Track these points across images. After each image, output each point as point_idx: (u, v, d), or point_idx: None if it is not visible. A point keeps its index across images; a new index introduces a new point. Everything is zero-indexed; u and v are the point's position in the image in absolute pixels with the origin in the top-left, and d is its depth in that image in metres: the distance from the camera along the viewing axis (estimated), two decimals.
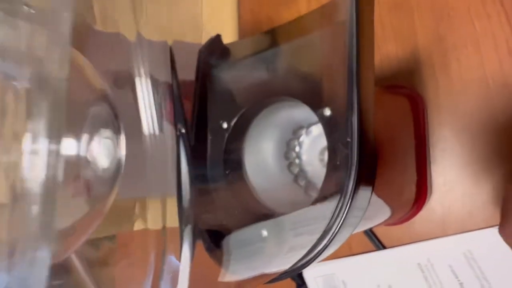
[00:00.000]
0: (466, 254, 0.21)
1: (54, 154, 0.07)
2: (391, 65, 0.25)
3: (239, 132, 0.16)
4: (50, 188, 0.07)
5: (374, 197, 0.17)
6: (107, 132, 0.10)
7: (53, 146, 0.07)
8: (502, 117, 0.21)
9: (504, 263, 0.20)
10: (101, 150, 0.10)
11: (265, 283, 0.14)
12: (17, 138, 0.07)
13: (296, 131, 0.20)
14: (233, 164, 0.15)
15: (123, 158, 0.11)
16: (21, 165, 0.07)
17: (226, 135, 0.15)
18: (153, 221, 0.13)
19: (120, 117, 0.11)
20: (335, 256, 0.26)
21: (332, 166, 0.11)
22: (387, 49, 0.26)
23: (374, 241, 0.25)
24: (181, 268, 0.10)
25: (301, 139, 0.20)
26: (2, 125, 0.08)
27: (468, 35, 0.22)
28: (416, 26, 0.24)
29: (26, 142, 0.07)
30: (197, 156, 0.14)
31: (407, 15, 0.25)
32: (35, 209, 0.07)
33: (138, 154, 0.12)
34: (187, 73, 0.16)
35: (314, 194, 0.20)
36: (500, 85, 0.21)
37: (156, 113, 0.12)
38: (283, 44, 0.14)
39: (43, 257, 0.07)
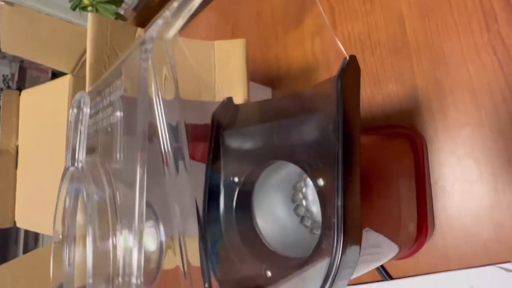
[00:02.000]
0: None
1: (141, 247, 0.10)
2: (392, 104, 0.27)
3: (249, 185, 0.18)
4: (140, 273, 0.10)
5: (380, 237, 0.19)
6: (150, 223, 0.13)
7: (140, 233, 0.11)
8: (499, 162, 0.22)
9: None
10: (148, 238, 0.13)
11: None
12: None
13: (301, 174, 0.22)
14: (244, 214, 0.18)
15: (164, 239, 0.13)
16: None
17: (237, 188, 0.18)
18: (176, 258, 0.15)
19: (154, 205, 0.14)
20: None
21: (324, 228, 0.13)
22: (388, 89, 0.27)
23: (381, 272, 0.26)
24: None
25: (307, 180, 0.22)
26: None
27: (464, 81, 0.23)
28: (414, 69, 0.26)
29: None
30: (210, 213, 0.16)
31: (406, 59, 0.26)
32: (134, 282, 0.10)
33: (160, 193, 0.14)
34: (197, 121, 0.19)
35: (318, 233, 0.21)
36: (497, 132, 0.22)
37: (175, 158, 0.15)
38: (285, 115, 0.16)
39: None
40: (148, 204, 0.13)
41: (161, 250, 0.13)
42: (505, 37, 0.22)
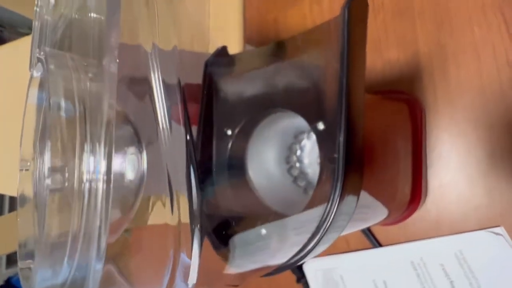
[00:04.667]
0: (457, 255, 0.22)
1: (109, 168, 0.09)
2: (392, 71, 0.26)
3: (243, 139, 0.17)
4: (108, 194, 0.09)
5: (371, 199, 0.18)
6: (131, 149, 0.12)
7: (109, 162, 0.09)
8: (497, 125, 0.21)
9: (493, 263, 0.21)
10: (128, 165, 0.12)
11: (265, 276, 0.15)
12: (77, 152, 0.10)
13: (297, 135, 0.21)
14: (237, 168, 0.17)
15: (146, 170, 0.12)
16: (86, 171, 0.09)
17: (230, 141, 0.17)
18: (170, 217, 0.14)
19: (140, 131, 0.12)
20: (334, 251, 0.28)
21: (322, 176, 0.12)
22: (389, 54, 0.26)
23: (371, 239, 0.26)
24: (192, 263, 0.11)
25: (302, 143, 0.21)
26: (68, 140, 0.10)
27: (468, 43, 0.23)
28: (417, 33, 0.25)
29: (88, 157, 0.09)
30: (203, 160, 0.15)
31: (410, 22, 0.25)
32: (99, 208, 0.09)
33: (155, 158, 0.13)
34: (194, 79, 0.18)
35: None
36: (497, 93, 0.22)
37: (168, 117, 0.14)
38: (282, 59, 0.15)
39: (103, 247, 0.09)
40: (134, 129, 0.12)
41: (140, 182, 0.12)
42: None
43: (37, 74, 0.13)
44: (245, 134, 0.17)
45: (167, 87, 0.14)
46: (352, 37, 0.11)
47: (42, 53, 0.12)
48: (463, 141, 0.23)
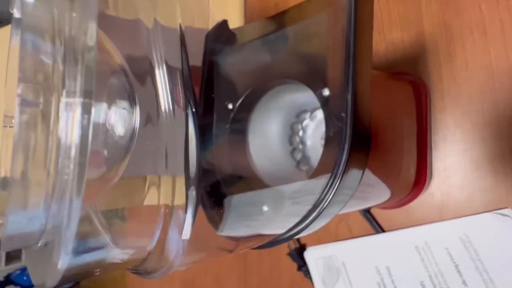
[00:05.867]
0: (462, 238, 0.21)
1: (87, 115, 0.09)
2: (396, 52, 0.26)
3: (244, 113, 0.17)
4: (84, 144, 0.09)
5: (374, 178, 0.18)
6: (123, 103, 0.11)
7: (87, 108, 0.09)
8: (503, 105, 0.21)
9: (499, 245, 0.20)
10: (118, 118, 0.11)
11: (259, 248, 0.14)
12: (55, 96, 0.09)
13: (299, 114, 0.21)
14: (238, 144, 0.16)
15: (137, 128, 0.12)
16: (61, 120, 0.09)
17: (231, 115, 0.16)
18: (164, 197, 0.14)
19: (136, 91, 0.12)
20: (335, 238, 0.27)
21: (328, 141, 0.12)
22: (392, 36, 0.26)
23: (374, 225, 0.26)
24: (186, 218, 0.11)
25: (304, 123, 0.21)
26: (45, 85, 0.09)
27: (475, 21, 0.22)
28: (422, 13, 0.24)
29: (64, 99, 0.09)
30: (203, 135, 0.15)
31: (414, 2, 0.25)
32: (73, 159, 0.09)
33: (152, 134, 0.13)
34: (195, 58, 0.17)
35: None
36: (505, 72, 0.21)
37: (171, 97, 0.13)
38: (285, 28, 0.14)
39: (78, 203, 0.09)
40: (130, 85, 0.11)
41: (131, 138, 0.12)
42: None
43: (18, 15, 0.12)
44: (247, 108, 0.17)
45: (170, 68, 0.13)
46: (360, 3, 0.11)
47: None
48: (468, 123, 0.22)
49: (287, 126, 0.20)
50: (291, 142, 0.21)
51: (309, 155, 0.21)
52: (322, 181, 0.11)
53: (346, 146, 0.10)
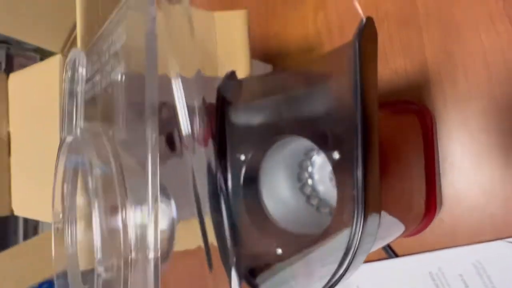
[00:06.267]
0: (475, 265, 0.22)
1: (155, 217, 0.10)
2: (400, 80, 0.26)
3: (255, 163, 0.17)
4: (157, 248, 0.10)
5: (388, 216, 0.18)
6: (161, 199, 0.12)
7: (155, 211, 0.10)
8: (510, 131, 0.21)
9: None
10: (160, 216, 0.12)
11: None
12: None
13: (307, 152, 0.21)
14: (251, 193, 0.17)
15: (176, 218, 0.13)
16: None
17: (244, 166, 0.17)
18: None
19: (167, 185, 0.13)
20: None
21: (341, 205, 0.12)
22: (395, 64, 0.26)
23: (387, 250, 0.26)
24: None
25: (313, 158, 0.21)
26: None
27: (476, 51, 0.22)
28: (424, 42, 0.25)
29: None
30: (222, 194, 0.16)
31: (416, 31, 0.25)
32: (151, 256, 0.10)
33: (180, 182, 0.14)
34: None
35: (326, 211, 0.21)
36: (509, 101, 0.21)
37: (193, 139, 0.14)
38: (292, 87, 0.15)
39: None
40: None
41: (172, 229, 0.12)
42: None
43: (69, 139, 0.13)
44: (258, 158, 0.17)
45: (191, 114, 0.14)
46: (365, 71, 0.11)
47: (78, 128, 0.13)
48: (475, 149, 0.22)
49: (295, 165, 0.21)
50: (300, 178, 0.21)
51: (318, 188, 0.21)
52: (341, 237, 0.12)
53: (359, 222, 0.11)
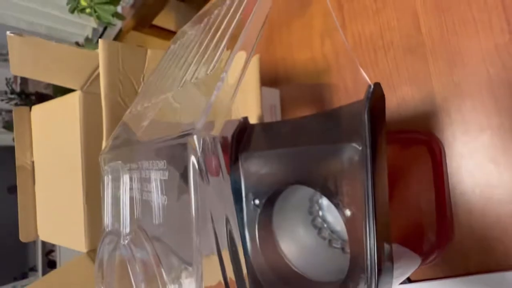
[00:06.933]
0: None
1: None
2: (407, 108, 0.26)
3: (269, 207, 0.18)
4: None
5: (404, 250, 0.19)
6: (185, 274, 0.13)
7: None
8: None
9: None
10: None
11: None
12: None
13: (311, 198, 0.21)
14: (267, 238, 0.18)
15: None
16: None
17: (259, 210, 0.18)
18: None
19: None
20: None
21: (354, 260, 0.13)
22: (403, 92, 0.27)
23: None
24: None
25: (320, 201, 0.22)
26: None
27: (483, 82, 0.23)
28: (430, 71, 0.25)
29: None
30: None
31: (422, 60, 0.26)
32: None
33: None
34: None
35: (338, 246, 0.21)
36: None
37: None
38: (303, 141, 0.16)
39: None
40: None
41: None
42: None
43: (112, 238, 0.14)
44: (271, 202, 0.18)
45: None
46: (375, 138, 0.12)
47: (126, 241, 0.14)
48: (485, 180, 0.23)
49: (305, 212, 0.21)
50: (310, 212, 0.22)
51: (336, 229, 0.21)
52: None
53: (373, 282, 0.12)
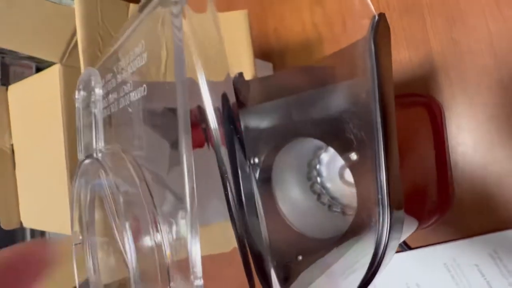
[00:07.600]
0: (492, 254, 0.22)
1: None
2: (405, 72, 0.26)
3: (268, 166, 0.17)
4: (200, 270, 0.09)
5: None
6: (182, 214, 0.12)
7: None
8: None
9: None
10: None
11: None
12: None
13: (316, 151, 0.21)
14: (267, 198, 0.17)
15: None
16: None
17: (258, 169, 0.17)
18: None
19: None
20: None
21: (361, 207, 0.12)
22: (400, 56, 0.26)
23: (400, 244, 0.26)
24: None
25: (321, 157, 0.21)
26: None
27: (483, 38, 0.22)
28: (428, 31, 0.24)
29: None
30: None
31: (419, 20, 0.25)
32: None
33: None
34: None
35: (338, 210, 0.21)
36: None
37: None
38: (303, 87, 0.14)
39: None
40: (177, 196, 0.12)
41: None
42: None
43: (88, 161, 0.13)
44: (269, 161, 0.17)
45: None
46: (381, 69, 0.11)
47: (99, 153, 0.12)
48: (486, 138, 0.22)
49: (304, 165, 0.20)
50: (309, 177, 0.21)
51: (327, 186, 0.21)
52: (365, 240, 0.12)
53: (386, 230, 0.11)
